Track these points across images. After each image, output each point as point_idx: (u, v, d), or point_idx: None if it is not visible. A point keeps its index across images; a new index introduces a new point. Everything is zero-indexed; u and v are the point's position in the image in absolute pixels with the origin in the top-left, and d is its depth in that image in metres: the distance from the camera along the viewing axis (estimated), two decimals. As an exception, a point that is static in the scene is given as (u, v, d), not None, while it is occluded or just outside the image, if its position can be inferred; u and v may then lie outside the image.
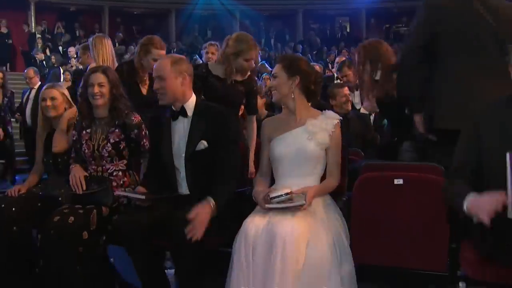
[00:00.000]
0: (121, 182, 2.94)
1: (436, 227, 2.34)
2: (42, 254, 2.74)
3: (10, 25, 15.07)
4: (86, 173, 2.93)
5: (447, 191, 2.19)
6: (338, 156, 2.58)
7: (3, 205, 2.90)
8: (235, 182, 2.63)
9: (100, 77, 2.94)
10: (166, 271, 2.86)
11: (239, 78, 3.50)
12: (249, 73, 3.56)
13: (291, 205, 2.35)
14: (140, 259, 2.53)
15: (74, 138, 3.03)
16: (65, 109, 3.27)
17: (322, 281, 2.22)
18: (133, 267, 2.58)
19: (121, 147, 2.95)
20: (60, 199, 2.95)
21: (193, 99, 2.74)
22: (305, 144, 2.53)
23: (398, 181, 2.41)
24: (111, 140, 2.92)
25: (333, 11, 19.32)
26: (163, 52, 3.67)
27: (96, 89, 2.90)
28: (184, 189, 2.69)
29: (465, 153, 2.19)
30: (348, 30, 19.82)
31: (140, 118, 3.01)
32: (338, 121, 2.60)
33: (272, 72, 2.66)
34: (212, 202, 2.43)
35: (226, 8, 18.34)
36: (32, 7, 16.15)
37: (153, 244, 2.55)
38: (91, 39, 4.59)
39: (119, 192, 2.77)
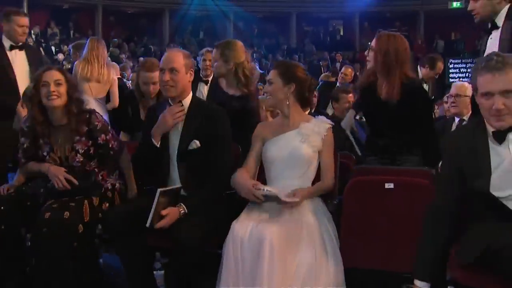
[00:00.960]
0: (100, 177, 2.84)
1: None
2: (33, 252, 2.66)
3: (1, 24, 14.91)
4: (63, 169, 2.71)
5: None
6: (330, 158, 2.62)
7: None
8: (226, 181, 2.62)
9: (56, 74, 2.65)
10: (155, 272, 2.86)
11: (236, 92, 3.27)
12: (246, 89, 3.25)
13: (280, 195, 2.37)
14: (129, 257, 2.53)
15: (24, 146, 2.77)
16: None
17: (311, 284, 2.23)
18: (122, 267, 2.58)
19: (91, 152, 2.76)
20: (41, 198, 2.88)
21: (190, 96, 2.74)
22: (298, 146, 2.56)
23: (389, 185, 2.43)
24: (80, 151, 2.72)
25: (326, 14, 19.39)
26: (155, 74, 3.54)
27: (52, 88, 2.61)
28: (176, 183, 2.68)
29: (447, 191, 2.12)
30: (341, 33, 19.90)
31: (103, 119, 2.84)
32: (330, 125, 2.64)
33: (268, 78, 2.67)
34: (182, 210, 2.48)
35: (220, 9, 18.34)
36: (25, 5, 16.01)
37: (143, 243, 2.54)
38: (87, 41, 4.69)
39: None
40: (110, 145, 2.80)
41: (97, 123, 2.75)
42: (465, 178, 2.04)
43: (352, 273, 2.34)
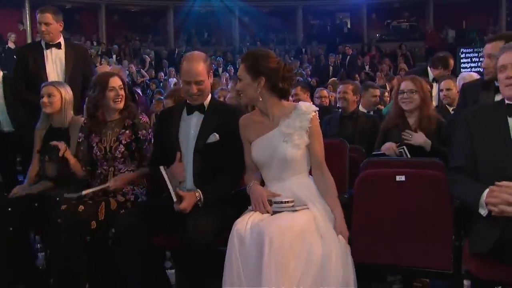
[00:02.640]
0: (131, 183, 3.01)
1: (440, 224, 2.34)
2: (48, 244, 2.80)
3: (4, 24, 15.01)
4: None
5: (456, 189, 2.25)
6: (321, 149, 2.47)
7: None
8: (238, 178, 2.65)
9: (118, 81, 3.06)
10: (166, 271, 2.87)
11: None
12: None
13: (295, 208, 2.34)
14: (140, 260, 2.53)
15: (80, 140, 3.12)
16: (64, 108, 3.28)
17: (321, 281, 2.17)
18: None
19: (133, 147, 3.02)
20: (58, 199, 2.96)
21: (209, 96, 2.81)
22: (281, 148, 2.42)
23: (400, 178, 2.42)
24: (123, 141, 3.01)
25: (333, 7, 19.29)
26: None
27: (120, 92, 3.03)
28: (189, 184, 2.70)
29: (461, 152, 2.30)
30: (348, 26, 19.79)
31: (147, 119, 3.12)
32: (313, 114, 2.44)
33: (238, 74, 2.51)
34: (198, 194, 2.54)
35: (225, 5, 18.33)
36: (27, 5, 16.09)
37: (153, 244, 2.56)
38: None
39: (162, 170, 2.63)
40: (146, 144, 3.04)
41: (141, 117, 3.07)
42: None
43: (362, 268, 2.31)
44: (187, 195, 2.53)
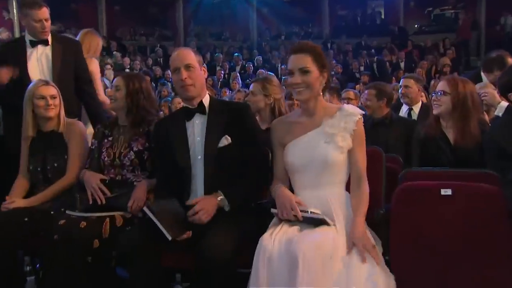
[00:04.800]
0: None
1: (500, 247, 2.31)
2: (42, 264, 2.80)
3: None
4: (102, 176, 3.05)
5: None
6: (364, 158, 2.53)
7: None
8: (259, 182, 2.69)
9: (118, 80, 3.16)
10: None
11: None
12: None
13: (327, 220, 2.36)
14: (147, 283, 2.52)
15: (93, 147, 3.20)
16: (60, 110, 3.34)
17: None
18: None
19: (145, 157, 3.08)
20: (53, 212, 3.01)
21: (208, 95, 2.84)
22: (322, 149, 2.49)
23: (446, 192, 2.40)
24: (134, 148, 3.08)
25: (364, -6, 19.25)
26: None
27: (110, 93, 3.14)
28: (198, 194, 2.70)
29: None
30: (382, 16, 19.70)
31: None
32: (359, 116, 2.52)
33: (301, 66, 2.50)
34: (220, 197, 2.55)
35: (240, -7, 18.46)
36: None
37: (161, 266, 2.56)
38: (80, 34, 4.77)
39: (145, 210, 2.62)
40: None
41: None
42: None
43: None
44: (203, 200, 2.53)
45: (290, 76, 2.52)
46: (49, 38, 3.98)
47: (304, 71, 2.48)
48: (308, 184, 2.53)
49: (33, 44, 3.93)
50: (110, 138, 3.17)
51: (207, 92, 2.87)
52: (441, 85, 3.22)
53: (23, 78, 3.80)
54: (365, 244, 2.28)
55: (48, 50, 3.96)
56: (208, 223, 2.52)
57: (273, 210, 2.49)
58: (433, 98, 3.23)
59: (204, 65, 2.84)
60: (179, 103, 6.11)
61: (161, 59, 15.20)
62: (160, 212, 2.49)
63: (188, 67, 2.71)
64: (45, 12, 3.89)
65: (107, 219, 2.83)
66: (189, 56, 2.75)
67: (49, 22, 3.93)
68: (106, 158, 3.11)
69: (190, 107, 2.80)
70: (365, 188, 2.48)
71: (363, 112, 2.56)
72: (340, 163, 2.50)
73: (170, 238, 2.45)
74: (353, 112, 2.51)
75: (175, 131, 2.81)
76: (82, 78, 4.07)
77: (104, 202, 2.92)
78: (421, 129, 3.33)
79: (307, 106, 2.57)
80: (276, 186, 2.56)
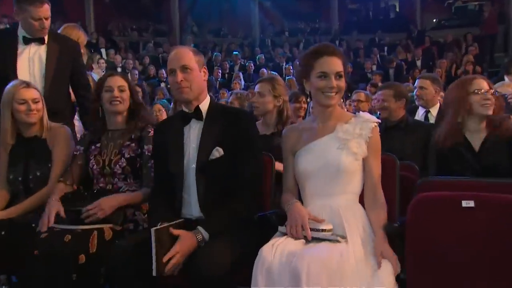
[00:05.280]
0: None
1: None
2: (18, 285, 2.78)
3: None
4: (60, 208, 2.91)
5: None
6: (378, 167, 2.61)
7: None
8: (254, 198, 2.69)
9: (119, 80, 3.15)
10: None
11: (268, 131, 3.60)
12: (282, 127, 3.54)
13: (337, 240, 2.38)
14: None
15: (76, 153, 3.19)
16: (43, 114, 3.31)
17: None
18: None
19: (138, 164, 3.09)
20: (33, 225, 2.96)
21: (208, 99, 2.85)
22: (335, 155, 2.55)
23: (468, 203, 2.37)
24: (126, 155, 3.09)
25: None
26: None
27: (117, 93, 3.11)
28: (195, 211, 2.72)
29: None
30: (397, 10, 19.74)
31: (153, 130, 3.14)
32: (375, 124, 2.61)
33: (338, 70, 2.58)
34: (200, 235, 2.51)
35: (242, -13, 18.54)
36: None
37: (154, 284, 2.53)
38: (60, 28, 4.71)
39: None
40: (151, 162, 3.05)
41: (150, 130, 3.14)
42: None
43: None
44: (183, 241, 2.48)
45: (322, 79, 2.56)
46: (46, 37, 3.88)
47: (340, 76, 2.58)
48: (319, 192, 2.58)
49: (27, 41, 3.84)
50: (98, 145, 3.15)
51: (208, 95, 2.86)
52: (484, 83, 3.15)
53: (9, 78, 3.60)
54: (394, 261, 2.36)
55: (42, 50, 3.86)
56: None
57: (280, 229, 2.53)
58: (482, 96, 3.10)
59: (205, 66, 2.84)
60: (159, 110, 6.11)
61: (161, 56, 15.13)
62: (160, 240, 2.45)
63: (184, 68, 2.72)
64: (46, 10, 3.79)
65: (95, 232, 2.80)
66: (187, 56, 2.75)
67: (49, 20, 3.83)
68: (95, 166, 3.10)
69: (187, 111, 2.81)
70: (382, 198, 2.56)
71: (379, 121, 2.64)
72: (353, 171, 2.56)
73: (154, 274, 2.42)
74: (369, 119, 2.60)
75: (172, 135, 2.82)
76: (78, 83, 4.03)
77: (44, 229, 2.81)
78: (437, 134, 3.29)
79: (326, 111, 2.65)
80: (290, 201, 2.59)
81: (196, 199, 2.71)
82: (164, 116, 6.28)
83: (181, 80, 2.71)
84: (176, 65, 2.73)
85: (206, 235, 2.53)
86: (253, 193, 2.70)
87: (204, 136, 2.74)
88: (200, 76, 2.78)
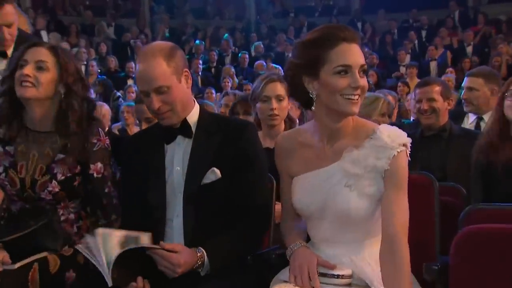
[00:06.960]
0: (75, 229, 2.93)
1: None
2: None
3: None
4: None
5: None
6: (404, 208, 2.37)
7: None
8: (262, 233, 2.76)
9: (42, 53, 2.80)
10: None
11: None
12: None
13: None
14: None
15: None
16: None
17: None
18: None
19: (75, 184, 2.88)
20: None
21: (197, 108, 2.83)
22: (344, 196, 2.40)
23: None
24: (59, 176, 2.84)
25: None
26: None
27: (29, 70, 2.73)
28: (177, 240, 2.72)
29: None
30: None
31: (106, 139, 2.95)
32: (399, 150, 2.37)
33: (363, 64, 2.39)
34: (200, 254, 2.54)
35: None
36: None
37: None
38: None
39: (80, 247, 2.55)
40: (107, 187, 2.90)
41: (96, 141, 2.88)
42: None
43: None
44: (185, 253, 2.51)
45: (342, 75, 2.35)
46: (9, 51, 3.67)
47: (364, 71, 2.40)
48: (327, 237, 2.52)
49: None
50: (10, 149, 2.88)
51: (196, 103, 2.85)
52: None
53: None
54: None
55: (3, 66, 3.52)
56: (184, 280, 2.52)
57: (281, 276, 2.50)
58: None
59: (185, 68, 2.77)
60: (128, 111, 6.13)
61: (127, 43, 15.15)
62: (104, 245, 2.44)
63: (159, 91, 2.65)
64: (5, 15, 3.55)
65: (36, 265, 2.74)
66: (159, 72, 2.63)
67: (15, 27, 3.63)
68: (8, 187, 2.85)
69: (171, 126, 2.78)
70: (404, 253, 2.30)
71: (409, 141, 2.41)
72: (369, 216, 2.42)
73: (110, 285, 2.43)
74: (389, 144, 2.36)
75: (150, 155, 2.82)
76: None
77: None
78: (481, 150, 3.34)
79: (337, 125, 2.46)
80: (295, 242, 2.52)
81: (182, 233, 2.72)
82: (132, 121, 6.34)
83: (159, 107, 2.66)
84: (148, 87, 2.66)
85: (206, 256, 2.55)
86: (261, 227, 2.75)
87: (194, 156, 2.74)
88: (181, 88, 2.72)
